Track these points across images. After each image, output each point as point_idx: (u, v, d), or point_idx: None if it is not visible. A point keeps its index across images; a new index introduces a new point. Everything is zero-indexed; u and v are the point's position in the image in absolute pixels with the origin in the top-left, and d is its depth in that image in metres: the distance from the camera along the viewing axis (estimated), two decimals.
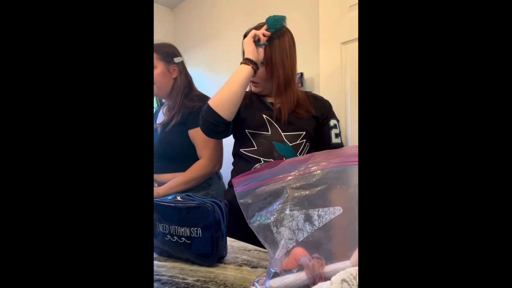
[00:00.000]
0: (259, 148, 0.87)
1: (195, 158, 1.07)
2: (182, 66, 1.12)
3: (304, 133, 0.87)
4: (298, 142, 0.86)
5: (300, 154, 0.86)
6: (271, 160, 0.86)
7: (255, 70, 0.82)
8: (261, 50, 0.84)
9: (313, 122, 0.89)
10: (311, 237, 0.41)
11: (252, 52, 0.81)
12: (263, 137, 0.87)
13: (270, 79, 0.88)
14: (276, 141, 0.86)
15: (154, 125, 1.11)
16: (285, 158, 0.84)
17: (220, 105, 0.79)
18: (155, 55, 1.07)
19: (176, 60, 1.09)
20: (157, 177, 1.09)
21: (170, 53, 1.10)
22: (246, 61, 0.81)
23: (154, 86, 1.07)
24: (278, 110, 0.88)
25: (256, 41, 0.82)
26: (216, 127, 0.82)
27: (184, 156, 1.07)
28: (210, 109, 0.80)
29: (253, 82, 0.90)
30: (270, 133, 0.87)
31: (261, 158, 0.86)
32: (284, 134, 0.86)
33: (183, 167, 1.05)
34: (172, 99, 1.10)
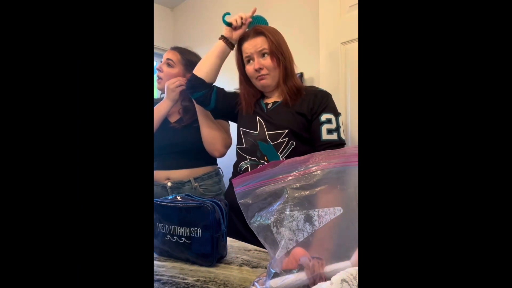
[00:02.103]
0: (247, 146, 0.90)
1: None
2: None
3: (286, 131, 0.84)
4: (280, 140, 0.85)
5: (281, 153, 0.84)
6: (255, 159, 0.87)
7: (229, 45, 0.96)
8: (237, 32, 0.94)
9: (298, 119, 0.85)
10: (311, 237, 0.41)
11: (225, 32, 0.95)
12: (250, 136, 0.90)
13: (277, 67, 0.89)
14: (260, 140, 0.87)
15: (170, 124, 1.15)
16: (267, 157, 0.86)
17: (197, 67, 0.98)
18: (178, 57, 1.15)
19: None
20: (171, 173, 1.12)
21: (194, 63, 1.16)
22: (221, 37, 0.96)
23: (162, 81, 1.13)
24: (272, 109, 0.89)
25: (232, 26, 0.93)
26: (192, 82, 0.97)
27: (203, 150, 1.12)
28: (191, 74, 0.98)
29: (262, 75, 0.89)
30: (257, 132, 0.88)
31: (247, 156, 0.89)
32: (267, 133, 0.87)
33: (199, 162, 1.13)
34: (186, 101, 1.16)
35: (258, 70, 0.88)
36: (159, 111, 1.09)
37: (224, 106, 0.98)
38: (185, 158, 1.12)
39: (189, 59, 1.17)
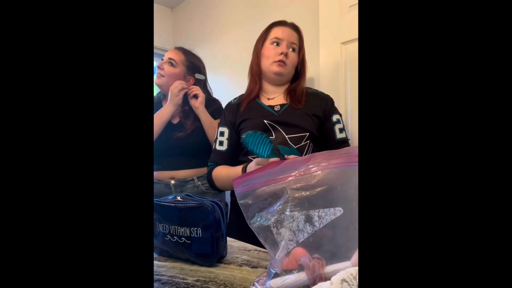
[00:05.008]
0: None
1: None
2: (202, 84, 1.19)
3: (308, 134, 0.86)
4: (302, 144, 0.85)
5: (304, 155, 0.84)
6: None
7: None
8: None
9: (316, 121, 0.88)
10: (311, 237, 0.40)
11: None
12: None
13: (295, 67, 0.92)
14: (280, 144, 0.85)
15: (174, 130, 1.14)
16: None
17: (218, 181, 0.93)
18: (181, 57, 1.15)
19: (197, 76, 1.18)
20: (176, 173, 1.14)
21: (196, 67, 1.18)
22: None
23: (163, 78, 1.13)
24: (282, 112, 0.89)
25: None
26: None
27: (208, 150, 1.11)
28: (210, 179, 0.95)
29: (283, 61, 0.88)
30: (274, 137, 0.87)
31: None
32: (288, 137, 0.86)
33: (204, 162, 1.12)
34: (186, 105, 1.16)
35: (282, 53, 0.88)
36: (161, 117, 1.10)
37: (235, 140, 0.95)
38: (191, 158, 1.14)
39: (193, 61, 1.18)
